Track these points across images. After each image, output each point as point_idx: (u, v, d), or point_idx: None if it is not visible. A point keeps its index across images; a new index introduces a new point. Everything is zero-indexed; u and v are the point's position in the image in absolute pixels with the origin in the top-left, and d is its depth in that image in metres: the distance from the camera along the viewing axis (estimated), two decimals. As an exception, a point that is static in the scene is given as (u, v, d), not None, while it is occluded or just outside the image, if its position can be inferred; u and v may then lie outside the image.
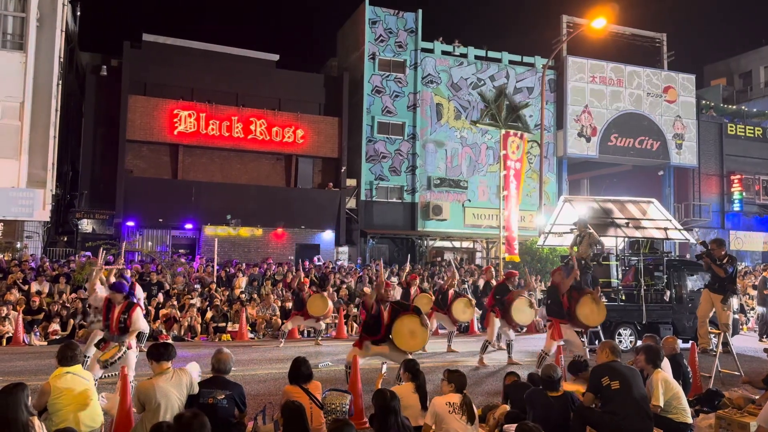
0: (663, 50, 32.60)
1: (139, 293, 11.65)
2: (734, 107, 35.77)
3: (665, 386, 6.17)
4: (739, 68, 39.85)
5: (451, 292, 13.00)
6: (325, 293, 13.71)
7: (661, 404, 6.08)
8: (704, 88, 37.73)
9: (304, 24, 70.36)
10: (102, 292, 8.79)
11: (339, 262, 23.76)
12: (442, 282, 15.85)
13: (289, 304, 15.60)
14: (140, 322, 7.90)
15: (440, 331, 14.55)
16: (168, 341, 8.19)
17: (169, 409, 5.17)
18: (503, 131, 20.83)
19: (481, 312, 15.16)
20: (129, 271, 11.73)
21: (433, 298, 13.40)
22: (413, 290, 13.81)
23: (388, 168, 27.11)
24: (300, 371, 5.96)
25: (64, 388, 5.17)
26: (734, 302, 11.12)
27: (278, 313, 15.58)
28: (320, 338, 14.00)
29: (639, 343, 11.39)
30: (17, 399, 4.41)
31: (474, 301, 13.42)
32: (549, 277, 20.49)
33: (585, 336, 10.21)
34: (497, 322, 11.52)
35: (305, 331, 15.29)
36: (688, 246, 25.20)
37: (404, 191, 27.34)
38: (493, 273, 16.86)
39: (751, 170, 33.04)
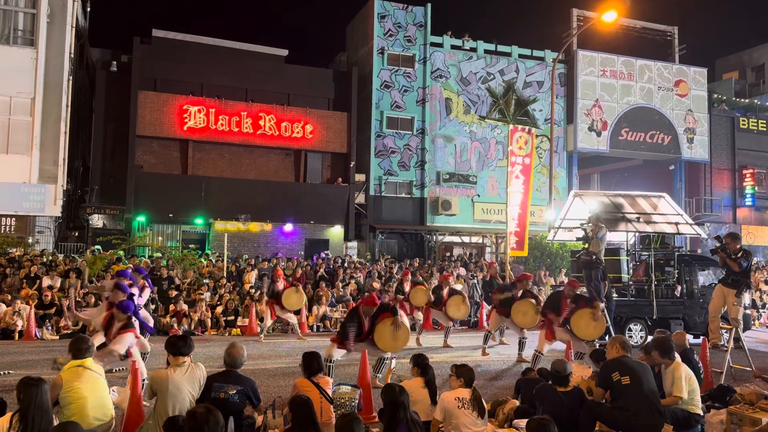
0: (674, 44, 32.26)
1: (146, 294, 11.20)
2: (746, 101, 35.36)
3: (688, 379, 6.22)
4: (752, 62, 39.36)
5: (446, 290, 12.79)
6: (300, 287, 13.42)
7: (685, 396, 6.12)
8: (716, 82, 37.35)
9: (313, 19, 70.35)
10: (100, 310, 8.52)
11: (348, 258, 23.75)
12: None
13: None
14: (121, 344, 7.23)
15: (434, 327, 14.78)
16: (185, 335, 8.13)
17: (179, 402, 5.18)
18: (511, 126, 20.62)
19: (488, 307, 15.15)
20: (139, 276, 10.93)
21: (431, 293, 13.08)
22: (407, 285, 13.72)
23: (397, 163, 27.07)
24: (311, 366, 5.98)
25: (75, 382, 5.20)
26: (746, 297, 11.02)
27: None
28: (300, 333, 13.79)
29: (650, 338, 11.34)
30: (45, 389, 4.54)
31: (466, 298, 13.13)
32: (558, 272, 20.51)
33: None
34: (497, 316, 11.63)
35: (314, 326, 15.32)
36: (700, 241, 25.01)
37: (413, 186, 27.29)
38: (497, 269, 16.82)
39: (763, 164, 32.73)
